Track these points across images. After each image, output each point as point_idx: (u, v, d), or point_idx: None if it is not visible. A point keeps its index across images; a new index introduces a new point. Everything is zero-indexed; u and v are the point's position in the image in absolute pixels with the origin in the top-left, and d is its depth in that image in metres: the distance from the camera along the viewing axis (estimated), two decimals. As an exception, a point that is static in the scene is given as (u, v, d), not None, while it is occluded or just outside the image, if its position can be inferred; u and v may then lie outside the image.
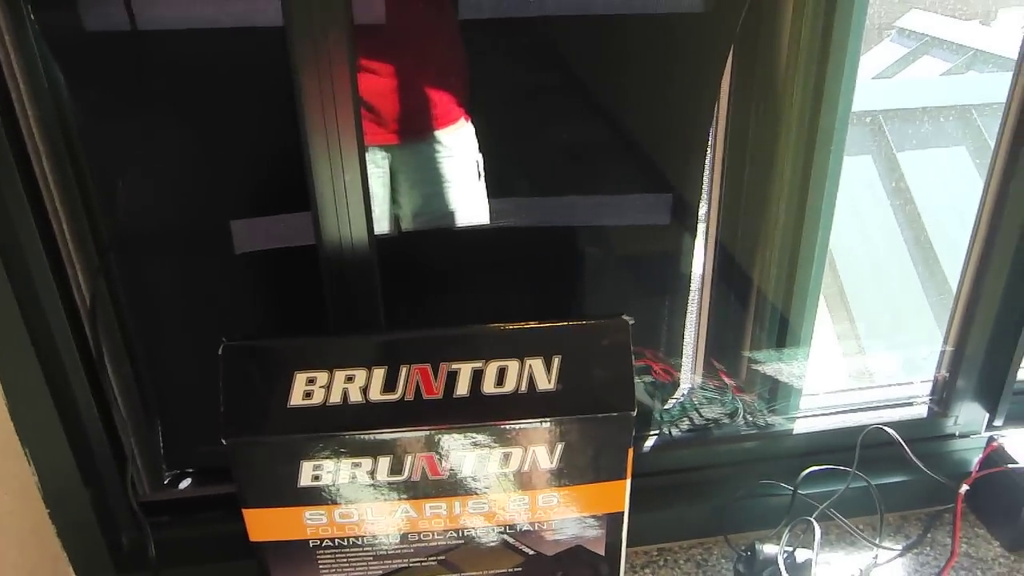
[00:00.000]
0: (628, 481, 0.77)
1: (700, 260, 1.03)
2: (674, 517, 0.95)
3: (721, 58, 0.96)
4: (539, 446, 0.74)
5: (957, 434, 1.00)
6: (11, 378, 0.75)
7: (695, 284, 1.08)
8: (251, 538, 0.76)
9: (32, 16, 0.72)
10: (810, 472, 0.95)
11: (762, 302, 0.99)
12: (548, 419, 0.73)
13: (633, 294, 1.19)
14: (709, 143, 1.00)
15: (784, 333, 0.98)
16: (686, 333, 1.06)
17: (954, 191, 3.15)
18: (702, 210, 1.05)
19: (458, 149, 1.28)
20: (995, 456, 0.95)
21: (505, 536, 0.79)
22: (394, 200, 1.32)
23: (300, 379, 0.72)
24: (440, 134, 1.26)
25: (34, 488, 0.80)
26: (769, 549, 0.91)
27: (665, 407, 1.07)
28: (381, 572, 0.79)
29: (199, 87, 0.90)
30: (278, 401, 0.71)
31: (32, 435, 0.78)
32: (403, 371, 0.73)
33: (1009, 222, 0.89)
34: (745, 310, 1.00)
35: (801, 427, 1.00)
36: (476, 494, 0.76)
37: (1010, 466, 0.93)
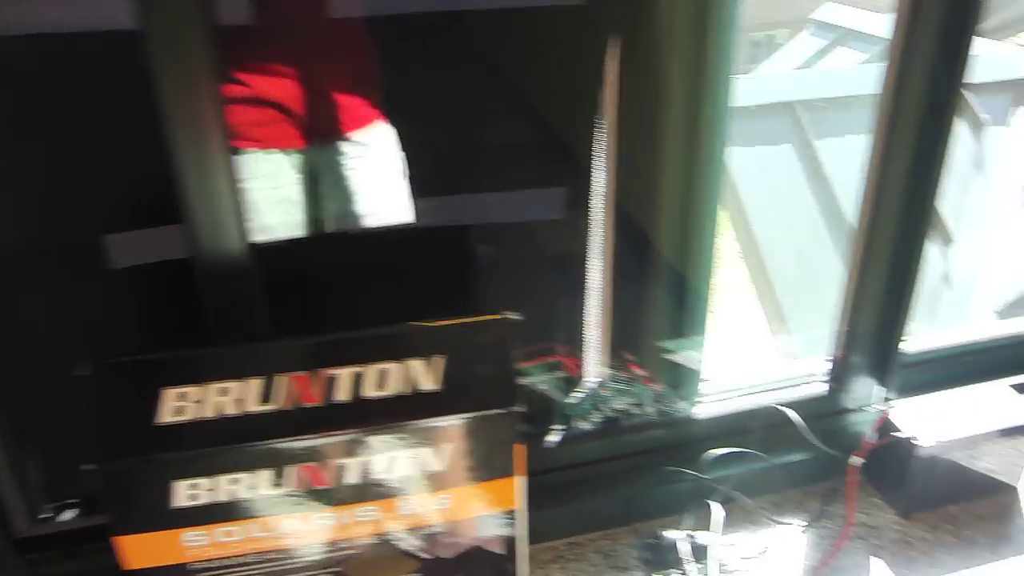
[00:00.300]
0: (521, 478, 0.76)
1: (599, 253, 1.03)
2: (582, 510, 0.95)
3: (605, 51, 0.96)
4: (425, 448, 0.72)
5: (855, 408, 1.02)
6: None
7: (598, 277, 1.08)
8: (125, 567, 0.72)
9: None
10: (713, 456, 0.96)
11: (661, 292, 0.99)
12: (432, 420, 0.71)
13: (541, 290, 1.18)
14: (600, 136, 1.00)
15: (686, 321, 0.98)
16: (589, 326, 1.05)
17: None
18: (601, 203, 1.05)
19: (374, 149, 1.26)
20: (885, 427, 0.98)
21: (400, 542, 0.77)
22: (316, 203, 1.29)
23: (169, 395, 0.69)
24: (355, 135, 1.24)
25: None
26: (672, 535, 0.91)
27: (573, 401, 1.07)
28: (271, 590, 0.77)
29: (62, 95, 0.86)
30: (144, 420, 0.68)
31: None
32: (280, 380, 0.70)
33: (887, 204, 0.92)
34: (646, 300, 1.00)
35: (706, 412, 1.00)
36: (364, 501, 0.74)
37: (895, 435, 0.96)
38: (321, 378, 0.71)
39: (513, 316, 0.74)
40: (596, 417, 1.03)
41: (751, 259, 3.63)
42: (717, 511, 0.91)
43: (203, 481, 0.69)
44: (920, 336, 1.07)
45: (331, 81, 1.20)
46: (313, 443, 0.70)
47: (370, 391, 0.71)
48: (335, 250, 1.13)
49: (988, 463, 1.01)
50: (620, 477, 0.96)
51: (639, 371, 1.06)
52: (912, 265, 0.95)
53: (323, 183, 1.27)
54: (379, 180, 1.26)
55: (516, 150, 1.08)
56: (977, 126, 3.74)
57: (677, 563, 0.89)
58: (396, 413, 0.71)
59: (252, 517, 0.72)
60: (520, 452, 0.75)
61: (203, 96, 0.73)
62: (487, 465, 0.75)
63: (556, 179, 1.05)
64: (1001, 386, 1.04)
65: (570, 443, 0.96)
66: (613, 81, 0.97)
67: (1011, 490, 1.03)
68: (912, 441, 0.95)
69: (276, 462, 0.70)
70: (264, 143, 1.20)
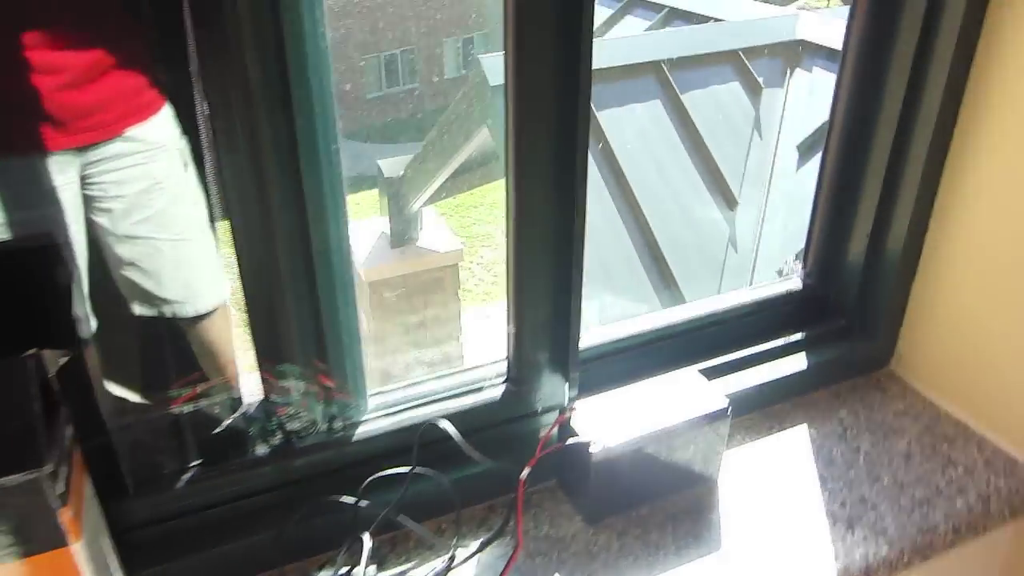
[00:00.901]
0: (78, 546, 0.66)
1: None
2: (217, 557, 0.84)
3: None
4: (-69, 526, 0.61)
5: (534, 412, 0.97)
6: None
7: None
8: None
9: None
10: (374, 478, 0.87)
11: (301, 299, 0.88)
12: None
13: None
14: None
15: (332, 326, 0.89)
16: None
17: (649, 145, 3.30)
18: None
19: (158, 145, 1.14)
20: (563, 430, 0.92)
21: (-65, 636, 0.65)
22: (98, 209, 1.14)
23: None
24: (133, 131, 1.09)
25: None
26: None
27: (236, 424, 0.96)
28: None
29: None
30: None
31: None
32: None
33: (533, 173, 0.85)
34: (284, 309, 0.90)
35: (371, 429, 0.92)
36: None
37: (572, 439, 0.90)
38: None
39: (32, 354, 0.63)
40: (263, 443, 0.93)
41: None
42: (367, 543, 0.83)
43: None
44: (599, 327, 1.03)
45: (94, 67, 1.07)
46: None
47: None
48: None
49: (684, 455, 0.97)
50: (269, 512, 0.86)
51: (329, 383, 0.97)
52: (575, 246, 0.88)
53: (106, 184, 1.14)
54: (168, 177, 1.12)
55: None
56: (755, 89, 3.86)
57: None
58: None
59: None
60: (67, 516, 0.64)
61: None
62: (28, 538, 0.64)
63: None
64: (691, 372, 1.00)
65: (205, 480, 0.86)
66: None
67: (708, 481, 1.00)
68: (588, 443, 0.89)
69: None
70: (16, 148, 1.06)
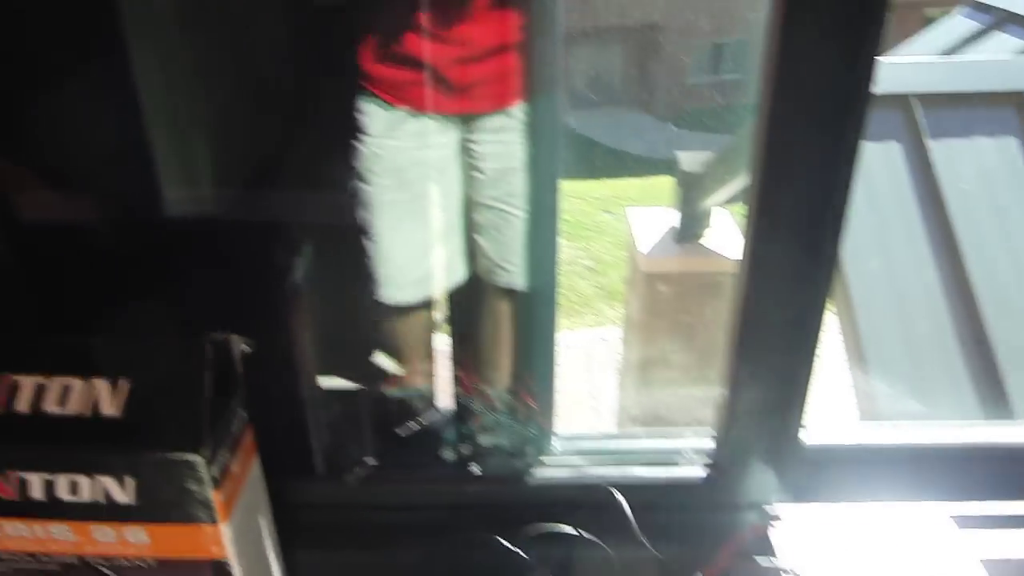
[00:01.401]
0: (225, 525, 0.67)
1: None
2: (369, 559, 0.84)
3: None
4: (106, 477, 0.65)
5: (737, 506, 0.82)
6: None
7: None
8: None
9: None
10: (541, 530, 0.81)
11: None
12: (106, 450, 0.64)
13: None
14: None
15: (530, 352, 0.83)
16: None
17: (993, 192, 2.70)
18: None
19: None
20: (758, 541, 0.78)
21: (104, 569, 0.71)
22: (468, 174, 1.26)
23: None
24: (515, 109, 1.18)
25: None
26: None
27: (435, 426, 0.95)
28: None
29: None
30: None
31: None
32: (-37, 379, 0.66)
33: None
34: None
35: (551, 476, 0.85)
36: (55, 520, 0.68)
37: (763, 559, 0.75)
38: (3, 383, 0.65)
39: (220, 339, 0.64)
40: (449, 450, 0.91)
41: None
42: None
43: None
44: (835, 423, 0.84)
45: (493, 50, 1.16)
46: (-15, 451, 0.65)
47: (51, 406, 0.64)
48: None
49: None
50: (427, 530, 0.84)
51: (533, 405, 0.92)
52: (815, 313, 0.73)
53: (473, 155, 1.24)
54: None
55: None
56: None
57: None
58: (72, 435, 0.64)
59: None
60: (219, 498, 0.66)
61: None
62: (183, 506, 0.67)
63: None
64: (937, 511, 0.79)
65: (377, 482, 0.85)
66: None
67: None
68: (782, 573, 0.74)
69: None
70: (414, 104, 1.18)
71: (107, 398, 0.64)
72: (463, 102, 1.21)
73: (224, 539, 0.68)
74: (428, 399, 0.98)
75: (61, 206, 0.78)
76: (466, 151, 1.25)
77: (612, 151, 6.60)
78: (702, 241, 4.37)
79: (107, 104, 0.75)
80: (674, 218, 4.44)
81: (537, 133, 1.02)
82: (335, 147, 1.10)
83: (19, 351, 0.67)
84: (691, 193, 4.28)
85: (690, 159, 4.22)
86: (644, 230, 4.36)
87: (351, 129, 1.12)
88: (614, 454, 0.85)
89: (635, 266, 4.03)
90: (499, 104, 1.20)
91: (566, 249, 6.05)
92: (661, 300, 4.55)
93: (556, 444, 0.87)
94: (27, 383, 0.65)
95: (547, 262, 0.81)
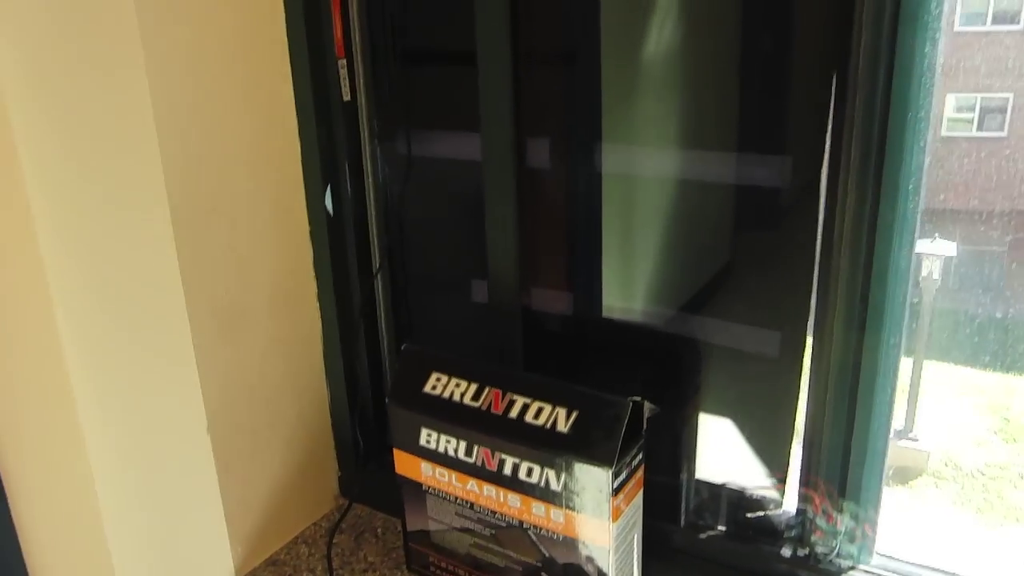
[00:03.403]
0: (614, 524, 0.99)
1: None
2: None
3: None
4: (550, 470, 1.02)
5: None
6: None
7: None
8: (396, 471, 1.19)
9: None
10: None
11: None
12: (555, 452, 1.01)
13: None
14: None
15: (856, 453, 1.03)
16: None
17: None
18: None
19: None
20: None
21: (531, 533, 1.07)
22: None
23: (433, 377, 1.13)
24: None
25: (326, 403, 1.37)
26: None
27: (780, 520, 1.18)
28: (459, 525, 1.15)
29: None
30: (418, 387, 1.13)
31: (331, 373, 1.34)
32: (485, 390, 1.08)
33: None
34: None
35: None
36: (512, 491, 1.07)
37: None
38: (507, 397, 1.06)
39: (637, 401, 0.98)
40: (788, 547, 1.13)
41: None
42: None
43: (434, 434, 1.12)
44: None
45: None
46: (487, 436, 1.06)
47: (529, 418, 1.04)
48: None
49: None
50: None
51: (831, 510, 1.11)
52: None
53: None
54: None
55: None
56: None
57: None
58: (535, 440, 1.03)
59: (453, 469, 1.11)
60: (614, 503, 0.98)
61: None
62: (587, 503, 1.00)
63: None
64: None
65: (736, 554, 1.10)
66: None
67: None
68: None
69: (469, 440, 1.08)
70: None
71: (563, 420, 1.02)
72: None
73: (610, 534, 1.01)
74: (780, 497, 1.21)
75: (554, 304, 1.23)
76: None
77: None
78: None
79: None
80: None
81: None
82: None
83: (518, 381, 1.09)
84: None
85: None
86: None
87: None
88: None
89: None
90: None
91: (1001, 451, 5.53)
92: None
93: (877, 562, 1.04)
94: (519, 400, 1.06)
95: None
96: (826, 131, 0.99)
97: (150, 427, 1.17)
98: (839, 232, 0.98)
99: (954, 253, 5.62)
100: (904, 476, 4.85)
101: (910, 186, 0.94)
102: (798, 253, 1.07)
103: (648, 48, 1.15)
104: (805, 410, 1.09)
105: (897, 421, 4.98)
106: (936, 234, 5.73)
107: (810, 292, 1.05)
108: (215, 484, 1.19)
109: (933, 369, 5.81)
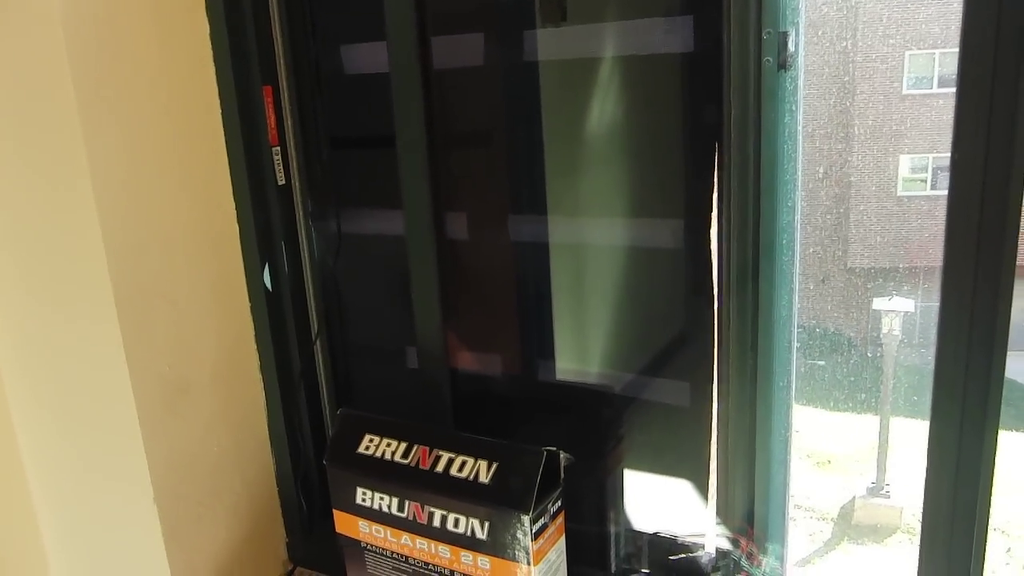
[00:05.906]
0: (535, 568, 1.05)
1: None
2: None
3: None
4: (474, 519, 1.08)
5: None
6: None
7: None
8: (336, 530, 1.24)
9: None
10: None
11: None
12: (478, 503, 1.07)
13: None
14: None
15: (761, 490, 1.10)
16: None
17: None
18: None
19: None
20: None
21: (461, 582, 1.13)
22: None
23: (366, 438, 1.20)
24: None
25: (271, 470, 1.42)
26: None
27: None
28: (396, 581, 1.20)
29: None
30: (352, 448, 1.20)
31: (274, 440, 1.40)
32: (414, 448, 1.15)
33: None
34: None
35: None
36: (442, 542, 1.12)
37: None
38: (433, 454, 1.13)
39: (552, 451, 1.06)
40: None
41: None
42: None
43: (368, 492, 1.18)
44: None
45: None
46: (415, 491, 1.12)
47: (453, 471, 1.11)
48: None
49: None
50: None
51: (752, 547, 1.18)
52: None
53: None
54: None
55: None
56: None
57: None
58: (455, 491, 1.09)
59: (389, 524, 1.17)
60: (533, 548, 1.04)
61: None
62: (510, 549, 1.06)
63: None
64: None
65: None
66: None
67: None
68: None
69: (401, 495, 1.14)
70: None
71: (484, 471, 1.09)
72: None
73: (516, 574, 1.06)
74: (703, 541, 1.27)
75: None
76: None
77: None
78: None
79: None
80: None
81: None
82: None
83: (444, 437, 1.16)
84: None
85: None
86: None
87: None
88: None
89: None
90: None
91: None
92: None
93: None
94: (444, 455, 1.13)
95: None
96: (712, 195, 1.10)
97: (98, 498, 1.23)
98: (727, 285, 1.08)
99: (912, 309, 5.75)
100: (878, 534, 4.85)
101: (783, 240, 1.05)
102: (699, 307, 1.16)
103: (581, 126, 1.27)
104: (715, 454, 1.16)
105: (868, 478, 5.01)
106: (893, 292, 5.89)
107: (712, 342, 1.14)
108: (163, 553, 1.24)
109: (902, 425, 5.88)
